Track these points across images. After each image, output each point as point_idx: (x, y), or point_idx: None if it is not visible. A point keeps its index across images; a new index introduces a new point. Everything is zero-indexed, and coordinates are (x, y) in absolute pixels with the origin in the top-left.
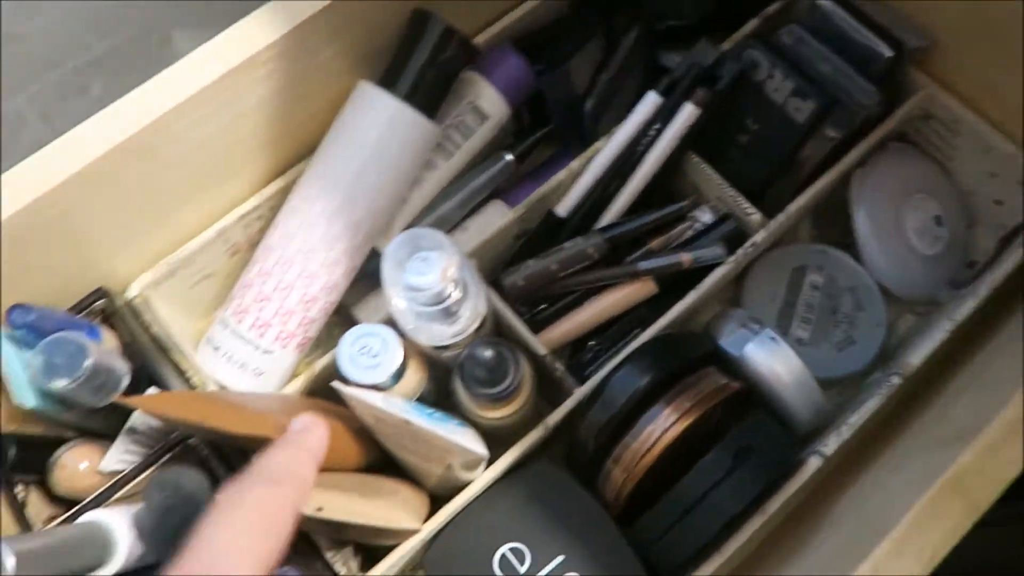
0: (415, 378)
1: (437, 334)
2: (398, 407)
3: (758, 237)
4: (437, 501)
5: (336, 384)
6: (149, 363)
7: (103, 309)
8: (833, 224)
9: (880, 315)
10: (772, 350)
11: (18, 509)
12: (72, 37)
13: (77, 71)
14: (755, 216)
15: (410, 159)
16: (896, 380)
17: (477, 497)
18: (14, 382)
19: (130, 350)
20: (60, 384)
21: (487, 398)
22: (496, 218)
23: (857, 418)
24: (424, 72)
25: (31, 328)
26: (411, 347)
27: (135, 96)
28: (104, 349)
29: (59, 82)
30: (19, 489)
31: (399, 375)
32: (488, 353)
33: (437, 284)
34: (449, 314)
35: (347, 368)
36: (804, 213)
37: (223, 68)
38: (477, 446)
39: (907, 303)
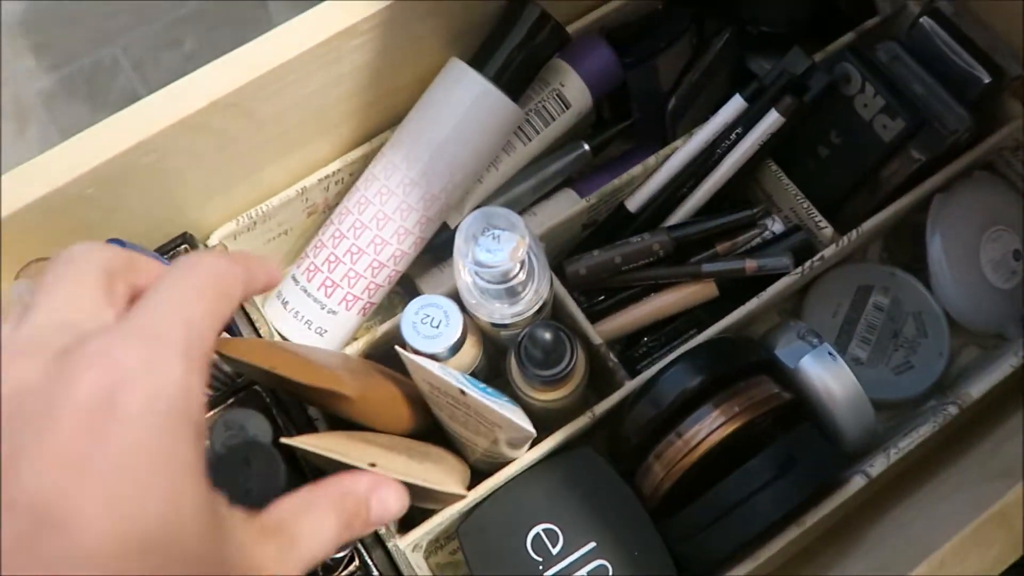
0: (471, 353)
1: (498, 312)
2: (454, 377)
3: (827, 252)
4: (476, 477)
5: (398, 348)
6: None
7: (186, 251)
8: (905, 246)
9: (943, 343)
10: (828, 366)
11: None
12: None
13: (170, 25)
14: (827, 230)
15: (491, 139)
16: (952, 410)
17: (517, 475)
18: None
19: None
20: None
21: (540, 379)
22: (566, 206)
23: (908, 443)
24: (514, 55)
25: None
26: (470, 323)
27: (238, 53)
28: None
29: (153, 35)
30: None
31: (457, 348)
32: (548, 335)
33: (505, 263)
34: (513, 294)
35: (409, 335)
36: (878, 232)
37: (323, 34)
38: (525, 423)
39: (972, 334)
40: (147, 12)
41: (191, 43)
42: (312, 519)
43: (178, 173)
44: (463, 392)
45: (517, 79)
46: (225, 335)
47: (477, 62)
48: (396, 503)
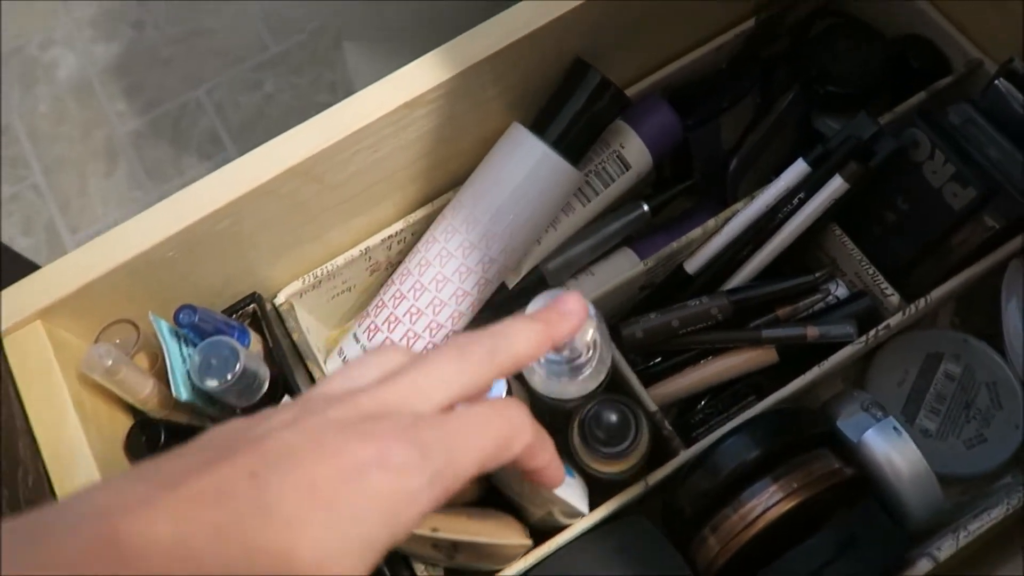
0: None
1: (560, 389)
2: None
3: (893, 320)
4: (532, 536)
5: None
6: (286, 368)
7: (254, 312)
8: (979, 312)
9: (1019, 416)
10: (893, 440)
11: None
12: (252, 36)
13: (253, 69)
14: (893, 298)
15: (551, 203)
16: None
17: (571, 541)
18: (173, 375)
19: (271, 353)
20: (212, 384)
21: (603, 455)
22: (624, 266)
23: (977, 525)
24: (575, 120)
25: (193, 328)
26: (518, 388)
27: (313, 122)
28: (251, 353)
29: (236, 78)
30: None
31: None
32: (613, 417)
33: (574, 348)
34: (576, 372)
35: None
36: (947, 300)
37: (393, 103)
38: (580, 502)
39: None
40: (234, 55)
41: (270, 85)
42: None
43: (250, 236)
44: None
45: (577, 144)
46: (286, 398)
47: (538, 126)
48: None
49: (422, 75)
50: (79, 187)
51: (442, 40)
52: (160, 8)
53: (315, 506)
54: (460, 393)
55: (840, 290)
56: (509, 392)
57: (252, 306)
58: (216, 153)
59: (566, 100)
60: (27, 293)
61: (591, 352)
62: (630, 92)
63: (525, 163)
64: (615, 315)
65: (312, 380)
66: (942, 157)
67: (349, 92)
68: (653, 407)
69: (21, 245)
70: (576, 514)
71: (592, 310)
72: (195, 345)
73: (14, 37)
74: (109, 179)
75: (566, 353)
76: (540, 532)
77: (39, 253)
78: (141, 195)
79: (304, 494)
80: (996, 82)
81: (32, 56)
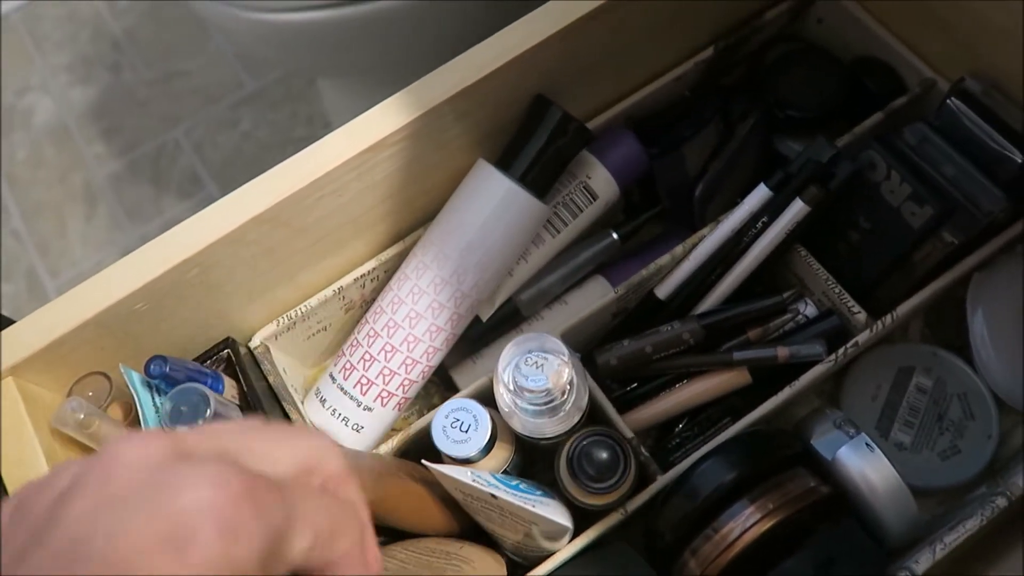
0: (502, 455)
1: (537, 428)
2: (485, 481)
3: (861, 337)
4: (514, 570)
5: (425, 462)
6: (261, 411)
7: (228, 357)
8: (947, 324)
9: (991, 426)
10: (867, 457)
11: None
12: (229, 75)
13: (230, 107)
14: (860, 315)
15: (519, 237)
16: (1001, 501)
17: (553, 572)
18: (146, 425)
19: (247, 398)
20: (183, 431)
21: (592, 490)
22: (597, 294)
23: (954, 537)
24: (540, 156)
25: (165, 378)
26: (501, 424)
27: (276, 171)
28: (223, 399)
29: (214, 116)
30: None
31: (487, 450)
32: (604, 455)
33: (549, 390)
34: (554, 411)
35: (439, 439)
36: (914, 315)
37: (353, 151)
38: (561, 517)
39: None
40: (210, 94)
41: (247, 123)
42: None
43: (220, 283)
44: (494, 496)
45: (542, 178)
46: None
47: (503, 162)
48: None
49: (383, 120)
50: (58, 231)
51: (416, 74)
52: (137, 51)
53: None
54: None
55: (809, 309)
56: (493, 434)
57: (226, 351)
58: (196, 192)
59: (529, 136)
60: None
61: (568, 392)
62: (593, 123)
63: (492, 199)
64: (589, 342)
65: (290, 420)
66: (898, 177)
67: (327, 125)
68: (629, 434)
69: (2, 291)
70: (560, 531)
71: (566, 351)
72: (167, 394)
73: None
74: (89, 222)
75: (544, 396)
76: (523, 568)
77: (19, 299)
78: (121, 237)
79: None
80: (948, 101)
81: (8, 103)
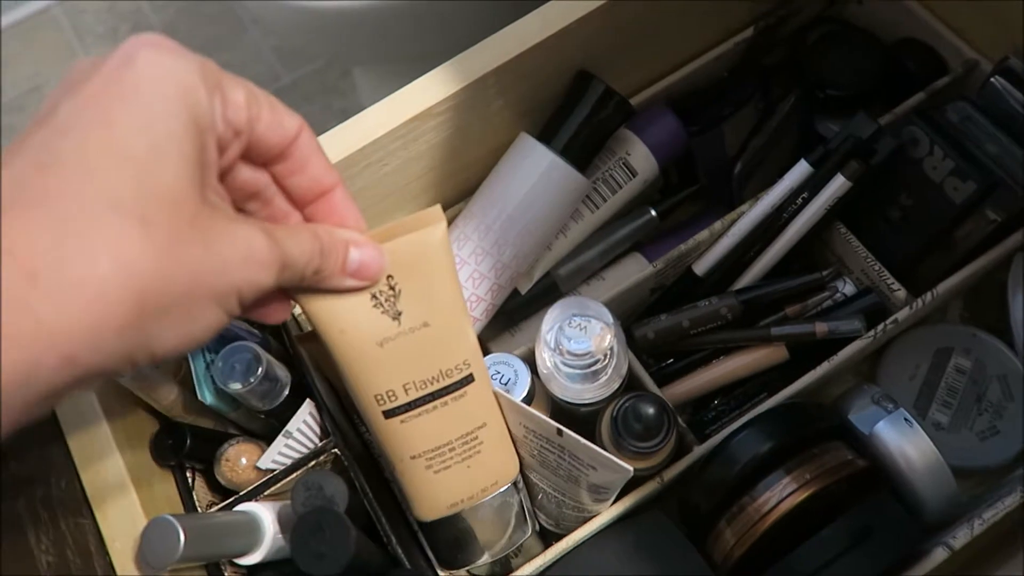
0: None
1: (577, 393)
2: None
3: (900, 315)
4: (548, 540)
5: (498, 389)
6: (306, 373)
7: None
8: (987, 306)
9: None
10: (905, 432)
11: (187, 491)
12: (264, 67)
13: None
14: (900, 293)
15: (559, 209)
16: None
17: (587, 539)
18: (197, 380)
19: (291, 360)
20: (235, 387)
21: (636, 450)
22: (634, 271)
23: (992, 514)
24: (581, 129)
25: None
26: (539, 385)
27: (326, 137)
28: (273, 360)
29: None
30: (189, 474)
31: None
32: (651, 410)
33: (591, 353)
34: (595, 377)
35: None
36: (954, 294)
37: (402, 117)
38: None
39: None
40: None
41: None
42: (294, 233)
43: None
44: (560, 432)
45: (583, 152)
46: (307, 402)
47: (545, 136)
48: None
49: (429, 89)
50: None
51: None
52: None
53: None
54: None
55: (847, 287)
56: (532, 391)
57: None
58: None
59: (572, 110)
60: None
61: (608, 358)
62: (634, 101)
63: (534, 171)
64: (627, 317)
65: (331, 386)
66: (941, 153)
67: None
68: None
69: None
70: (618, 479)
71: (610, 317)
72: (217, 352)
73: (32, 76)
74: None
75: (586, 359)
76: (555, 537)
77: None
78: None
79: None
80: (992, 79)
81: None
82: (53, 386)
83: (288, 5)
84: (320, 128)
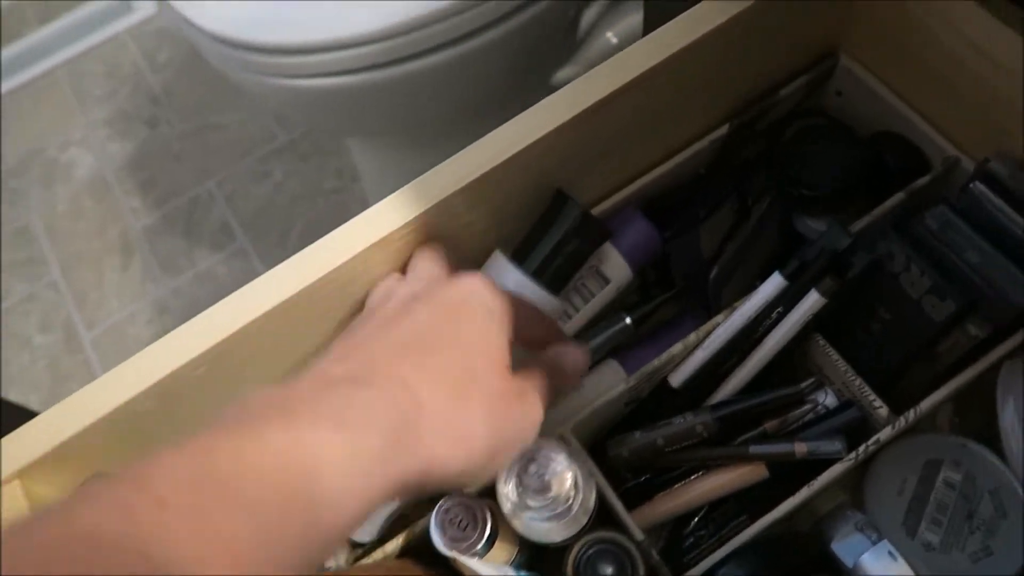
0: (503, 555)
1: (543, 532)
2: (500, 571)
3: (883, 435)
4: None
5: (452, 554)
6: None
7: None
8: (978, 412)
9: None
10: (888, 566)
11: None
12: (261, 127)
13: (261, 159)
14: (882, 410)
15: None
16: None
17: None
18: None
19: None
20: None
21: None
22: (610, 380)
23: None
24: (556, 252)
25: None
26: (504, 524)
27: (285, 267)
28: None
29: (246, 168)
30: None
31: (488, 547)
32: (609, 571)
33: (553, 498)
34: (559, 516)
35: (435, 536)
36: (940, 407)
37: (361, 246)
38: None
39: None
40: (243, 146)
41: (278, 174)
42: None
43: (234, 375)
44: None
45: (557, 274)
46: None
47: (519, 255)
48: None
49: (393, 213)
50: (95, 282)
51: (440, 132)
52: (173, 105)
53: None
54: None
55: (829, 399)
56: (495, 532)
57: None
58: (228, 244)
59: (546, 231)
60: (5, 454)
61: (572, 498)
62: (607, 204)
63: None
64: (603, 429)
65: None
66: (918, 270)
67: (355, 178)
68: (640, 536)
69: (38, 343)
70: None
71: (566, 457)
72: None
73: (35, 139)
74: (124, 273)
75: (549, 502)
76: None
77: (56, 349)
78: (154, 288)
79: None
80: (971, 185)
81: (51, 157)
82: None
83: (272, 83)
84: (317, 189)
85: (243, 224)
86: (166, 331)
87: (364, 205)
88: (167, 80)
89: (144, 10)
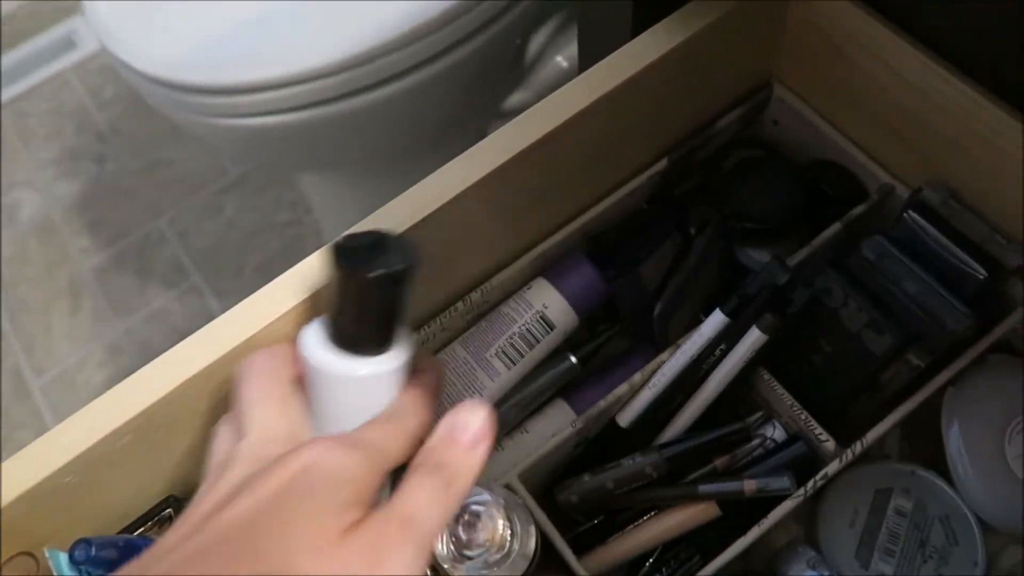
0: None
1: None
2: None
3: (830, 469)
4: None
5: None
6: None
7: (170, 517)
8: (926, 437)
9: (975, 551)
10: None
11: None
12: (212, 162)
13: (214, 194)
14: (828, 444)
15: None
16: None
17: None
18: None
19: None
20: None
21: None
22: (558, 421)
23: None
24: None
25: (92, 562)
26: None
27: (196, 338)
28: None
29: (197, 204)
30: None
31: None
32: None
33: (487, 547)
34: (497, 564)
35: None
36: (885, 437)
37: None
38: None
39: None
40: (194, 181)
41: (231, 209)
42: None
43: (160, 443)
44: None
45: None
46: None
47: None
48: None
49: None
50: (44, 328)
51: (392, 161)
52: (121, 142)
53: None
54: None
55: (777, 432)
56: None
57: (168, 511)
58: (181, 282)
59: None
60: None
61: (508, 545)
62: (548, 243)
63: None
64: (553, 472)
65: None
66: (855, 304)
67: (308, 210)
68: None
69: None
70: None
71: (499, 500)
72: (101, 572)
73: None
74: (74, 317)
75: (484, 550)
76: None
77: (6, 398)
78: (106, 331)
79: None
80: (905, 215)
81: None
82: None
83: (216, 124)
84: (271, 223)
85: (196, 261)
86: (119, 373)
87: (319, 237)
88: (114, 117)
89: (87, 47)
